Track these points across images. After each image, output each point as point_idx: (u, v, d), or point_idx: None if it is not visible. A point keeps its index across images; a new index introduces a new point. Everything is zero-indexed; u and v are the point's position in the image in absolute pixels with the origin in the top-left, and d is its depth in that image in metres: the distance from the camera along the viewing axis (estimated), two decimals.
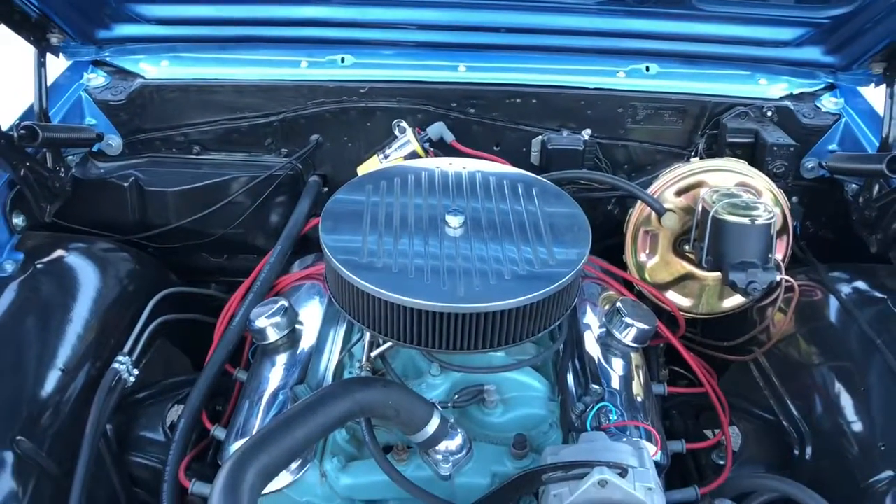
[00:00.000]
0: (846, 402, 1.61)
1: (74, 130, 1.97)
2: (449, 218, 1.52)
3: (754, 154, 2.00)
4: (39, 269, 1.76)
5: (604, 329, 1.69)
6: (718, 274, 1.78)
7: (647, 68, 2.11)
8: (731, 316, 1.97)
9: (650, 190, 1.89)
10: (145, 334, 1.78)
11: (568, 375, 1.61)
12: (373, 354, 1.54)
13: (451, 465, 1.40)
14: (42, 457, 1.48)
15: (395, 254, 1.44)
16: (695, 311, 1.95)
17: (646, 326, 1.65)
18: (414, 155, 2.00)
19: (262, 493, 1.38)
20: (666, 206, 1.85)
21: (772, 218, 1.68)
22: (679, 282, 1.93)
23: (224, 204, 2.10)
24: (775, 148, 1.93)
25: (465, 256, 1.45)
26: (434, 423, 1.37)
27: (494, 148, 2.13)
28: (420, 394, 1.46)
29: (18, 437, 1.45)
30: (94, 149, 2.09)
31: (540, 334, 1.45)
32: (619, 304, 1.67)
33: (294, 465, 1.43)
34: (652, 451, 1.42)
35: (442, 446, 1.40)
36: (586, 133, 2.09)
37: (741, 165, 1.88)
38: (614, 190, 2.04)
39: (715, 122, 2.07)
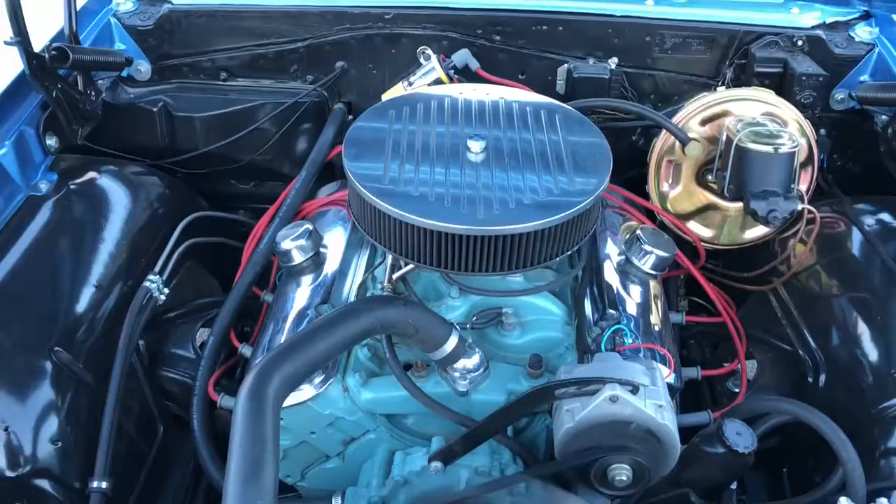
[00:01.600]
0: (863, 331, 1.62)
1: (104, 54, 2.00)
2: (470, 143, 1.54)
3: (782, 84, 1.97)
4: (73, 190, 1.81)
5: (623, 256, 1.70)
6: (740, 204, 1.78)
7: None
8: (752, 248, 1.97)
9: (675, 119, 1.88)
10: (175, 255, 1.83)
11: (585, 301, 1.64)
12: (394, 277, 1.58)
13: (468, 381, 1.44)
14: (79, 367, 1.55)
15: (416, 180, 1.46)
16: (716, 241, 1.96)
17: (665, 254, 1.67)
18: (439, 82, 2.00)
19: (288, 404, 1.47)
20: (690, 135, 1.84)
21: (796, 147, 1.67)
22: (701, 212, 1.93)
23: (251, 130, 2.13)
24: (804, 78, 1.90)
25: (486, 183, 1.47)
26: (452, 342, 1.41)
27: (520, 76, 2.12)
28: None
29: (56, 348, 1.52)
30: (124, 74, 2.12)
31: (558, 258, 1.48)
32: (638, 231, 1.68)
33: (318, 380, 1.48)
34: (665, 373, 1.45)
35: (460, 364, 1.45)
36: (613, 62, 2.07)
37: (768, 95, 1.85)
38: (639, 120, 2.03)
39: (743, 51, 2.03)
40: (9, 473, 1.38)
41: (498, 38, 2.08)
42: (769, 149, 1.65)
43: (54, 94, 1.77)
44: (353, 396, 1.49)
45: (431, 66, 2.01)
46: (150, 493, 1.66)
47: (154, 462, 1.69)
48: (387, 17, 2.06)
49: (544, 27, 2.06)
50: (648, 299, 1.67)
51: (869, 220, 1.80)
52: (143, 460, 1.66)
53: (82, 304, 1.65)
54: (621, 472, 1.27)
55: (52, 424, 1.47)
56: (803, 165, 1.87)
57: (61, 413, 1.49)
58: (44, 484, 1.42)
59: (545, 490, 1.38)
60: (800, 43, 2.02)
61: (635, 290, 1.67)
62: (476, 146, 1.54)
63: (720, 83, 2.06)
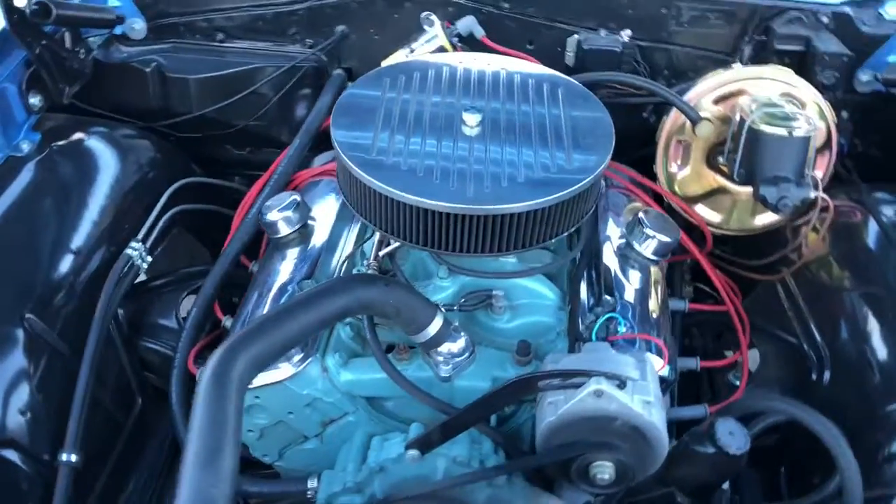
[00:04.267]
0: (873, 328, 1.53)
1: (92, 10, 1.91)
2: (466, 116, 1.46)
3: (804, 63, 1.85)
4: (56, 150, 1.75)
5: (624, 240, 1.63)
6: (751, 188, 1.69)
7: None
8: (763, 235, 1.88)
9: (687, 97, 1.78)
10: (161, 222, 1.78)
11: (582, 285, 1.56)
12: (381, 253, 1.52)
13: (451, 367, 1.37)
14: (53, 337, 1.50)
15: (405, 152, 1.39)
16: (725, 227, 1.87)
17: (667, 239, 1.58)
18: (442, 50, 1.91)
19: (265, 383, 1.42)
20: (702, 114, 1.74)
21: (812, 131, 1.57)
22: (710, 196, 1.84)
23: (246, 94, 2.05)
24: (826, 57, 1.79)
25: (479, 158, 1.39)
26: (436, 325, 1.34)
27: (528, 46, 2.02)
28: (427, 296, 1.43)
29: (29, 316, 1.47)
30: (118, 32, 2.05)
31: (552, 241, 1.41)
32: (641, 214, 1.60)
33: (297, 358, 1.43)
34: (659, 365, 1.38)
35: (444, 348, 1.38)
36: (626, 34, 1.96)
37: (786, 74, 1.75)
38: (651, 96, 1.93)
39: (764, 27, 1.92)
40: None
41: (506, 5, 1.98)
42: (783, 132, 1.56)
43: (37, 52, 1.70)
44: (333, 377, 1.44)
45: (434, 32, 1.92)
46: (125, 465, 1.62)
47: (131, 434, 1.64)
48: None
49: None
50: (648, 286, 1.60)
51: (887, 211, 1.71)
52: (119, 432, 1.62)
53: (60, 271, 1.59)
54: (604, 470, 1.20)
55: (22, 394, 1.43)
56: (820, 150, 1.78)
57: (33, 383, 1.45)
58: (11, 455, 1.37)
59: (527, 487, 1.32)
60: (825, 20, 1.90)
61: (635, 276, 1.59)
62: (472, 119, 1.46)
63: (738, 60, 1.95)
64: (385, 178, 1.33)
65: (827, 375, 1.54)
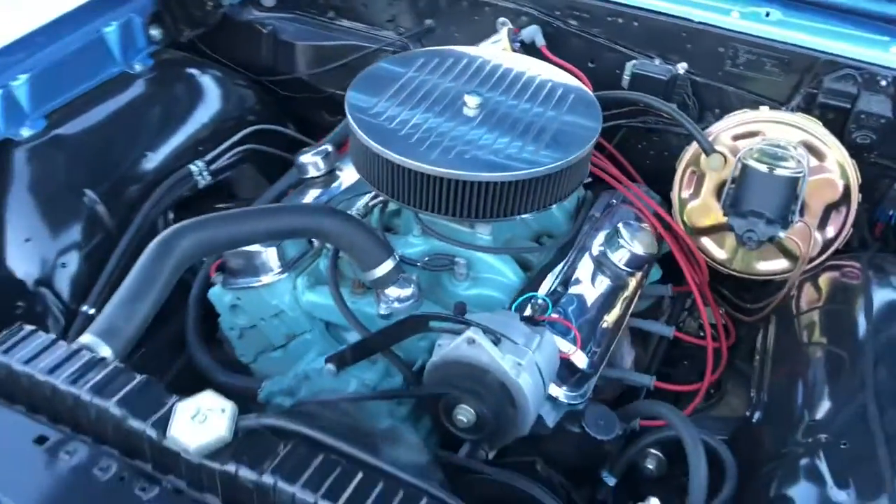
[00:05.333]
0: (820, 385, 1.50)
1: None
2: (467, 97, 1.63)
3: (847, 121, 1.83)
4: (163, 75, 2.11)
5: (602, 248, 1.71)
6: None
7: (768, 13, 1.98)
8: (768, 282, 1.88)
9: (709, 130, 1.83)
10: (230, 153, 2.09)
11: (549, 276, 1.67)
12: (370, 203, 1.73)
13: (388, 307, 1.55)
14: (109, 219, 1.82)
15: (398, 117, 1.59)
16: (729, 266, 1.89)
17: (640, 252, 1.66)
18: None
19: (244, 286, 1.67)
20: (719, 148, 1.78)
21: (799, 174, 1.58)
22: (717, 230, 1.86)
23: (338, 66, 2.34)
24: (862, 116, 1.76)
25: (458, 135, 1.56)
26: (385, 268, 1.52)
27: (589, 65, 2.13)
28: (397, 248, 1.62)
29: (95, 197, 1.81)
30: None
31: (501, 219, 1.54)
32: (620, 224, 1.68)
33: (276, 271, 1.66)
34: (568, 350, 1.47)
35: (392, 292, 1.56)
36: (682, 67, 2.02)
37: (812, 125, 1.75)
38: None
39: (818, 80, 1.90)
40: (18, 275, 1.69)
41: (574, 22, 2.12)
42: (764, 168, 1.58)
43: None
44: (298, 295, 1.66)
45: (500, 37, 2.09)
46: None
47: None
48: None
49: (619, 20, 2.06)
50: (613, 295, 1.68)
51: (883, 282, 1.65)
52: None
53: (135, 171, 1.92)
54: (464, 414, 1.32)
55: (70, 255, 1.75)
56: (835, 207, 1.76)
57: (82, 250, 1.77)
58: (45, 292, 1.71)
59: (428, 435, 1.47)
60: (883, 83, 1.85)
61: (601, 282, 1.68)
62: (472, 101, 1.62)
63: (786, 109, 1.94)
64: (370, 132, 1.54)
65: (757, 415, 1.54)
